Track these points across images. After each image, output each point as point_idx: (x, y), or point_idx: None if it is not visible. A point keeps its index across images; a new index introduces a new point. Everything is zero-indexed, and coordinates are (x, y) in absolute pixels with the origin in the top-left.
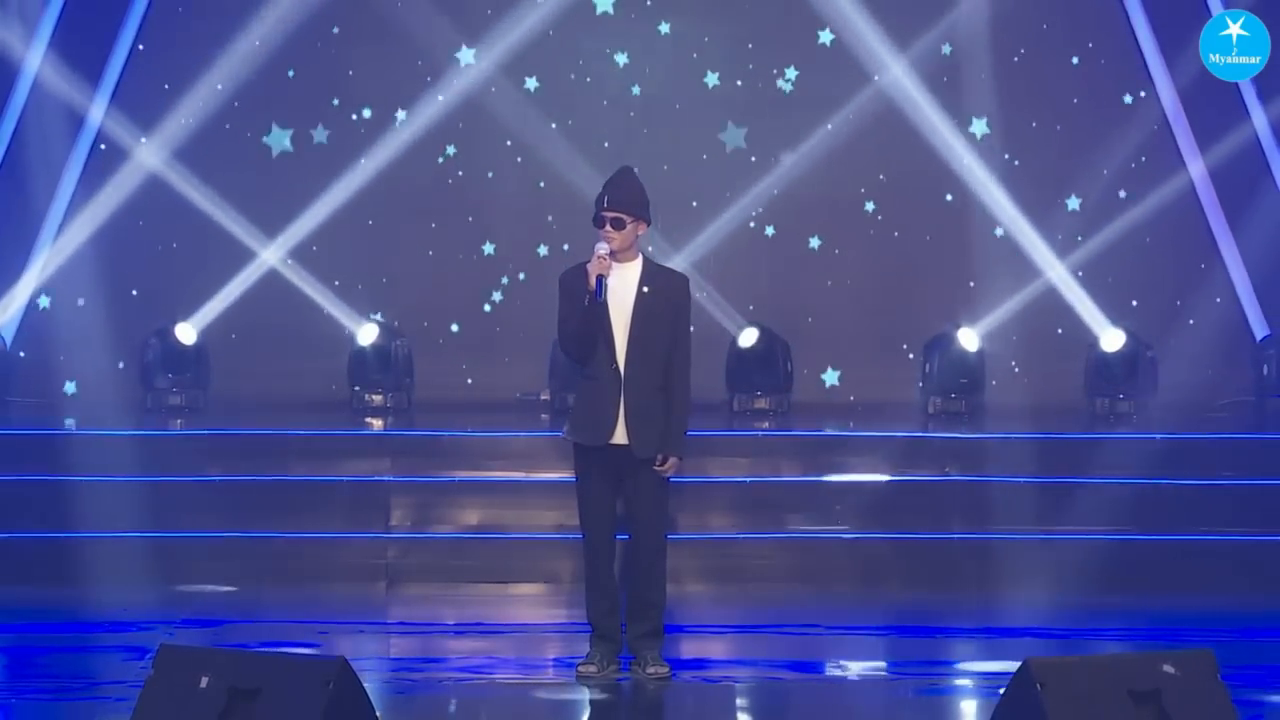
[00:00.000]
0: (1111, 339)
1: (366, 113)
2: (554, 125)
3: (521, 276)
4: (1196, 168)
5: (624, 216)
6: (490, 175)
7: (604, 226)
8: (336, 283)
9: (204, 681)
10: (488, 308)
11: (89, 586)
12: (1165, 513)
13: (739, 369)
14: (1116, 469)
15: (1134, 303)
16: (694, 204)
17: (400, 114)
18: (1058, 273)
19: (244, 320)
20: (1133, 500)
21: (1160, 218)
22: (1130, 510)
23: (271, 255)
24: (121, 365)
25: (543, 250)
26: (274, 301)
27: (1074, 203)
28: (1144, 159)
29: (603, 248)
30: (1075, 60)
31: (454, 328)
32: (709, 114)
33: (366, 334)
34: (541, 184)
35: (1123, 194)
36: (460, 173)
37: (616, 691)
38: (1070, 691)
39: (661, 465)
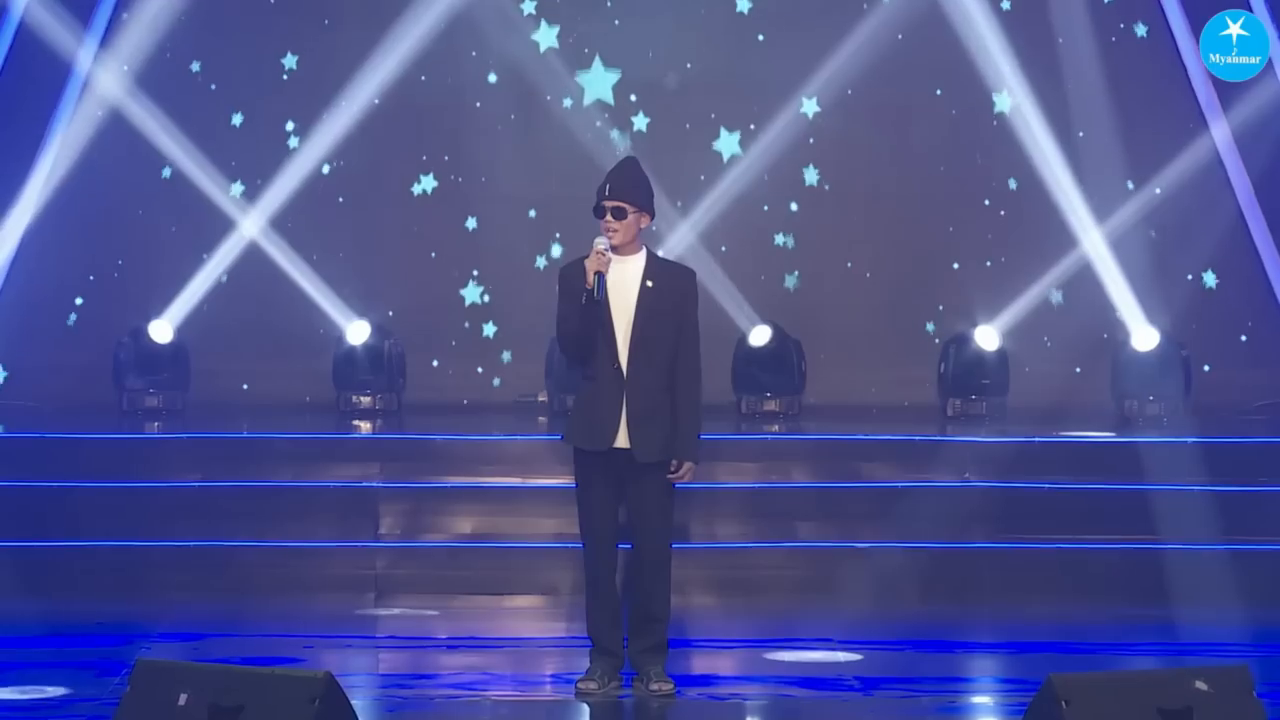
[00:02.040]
0: (1145, 338)
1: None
2: (552, 113)
3: (518, 271)
4: (1233, 163)
5: (626, 206)
6: (483, 178)
7: (604, 217)
8: (315, 257)
9: (183, 699)
10: (482, 303)
11: (61, 598)
12: (1198, 520)
13: (747, 369)
14: (1146, 474)
15: (1164, 298)
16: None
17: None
18: (1082, 268)
19: (225, 317)
20: (1163, 507)
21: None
22: (1160, 518)
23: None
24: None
25: (541, 243)
26: (256, 297)
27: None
28: (1176, 149)
29: (602, 243)
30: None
31: (446, 325)
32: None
33: (357, 332)
34: (540, 175)
35: (1158, 190)
36: (453, 165)
37: (618, 709)
38: (1096, 709)
39: (675, 471)
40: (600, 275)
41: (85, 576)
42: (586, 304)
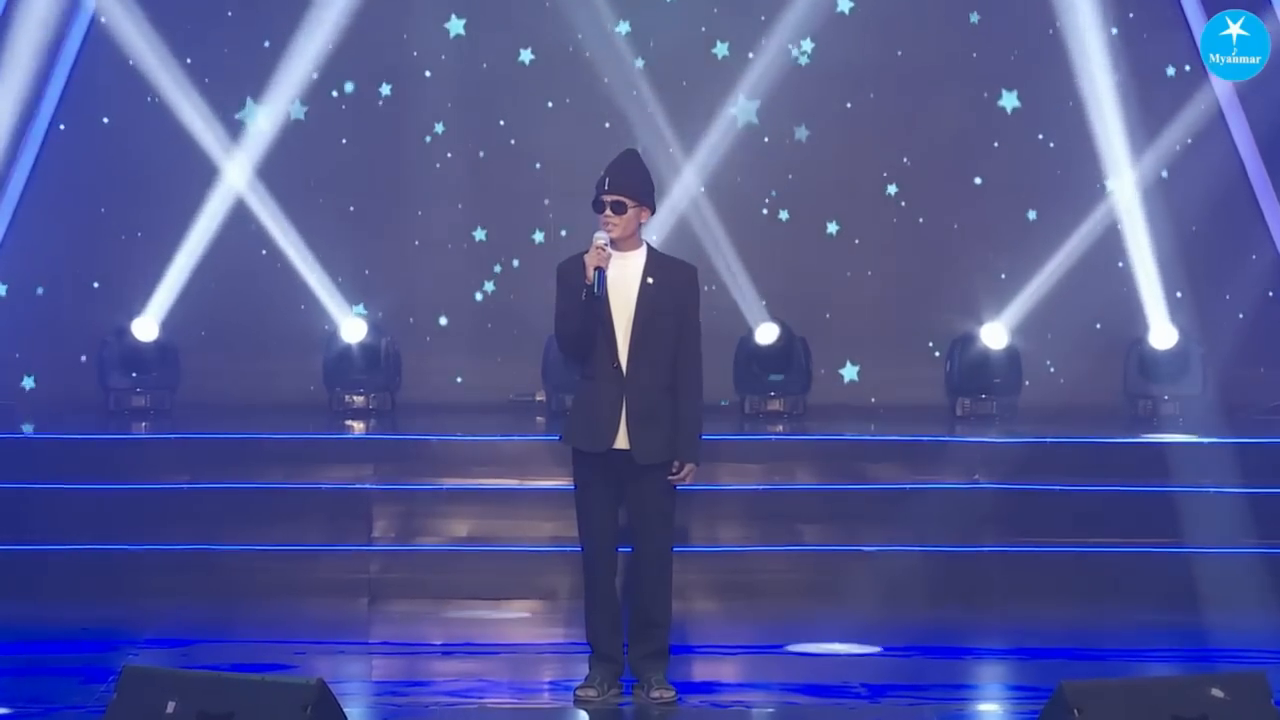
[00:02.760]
0: (1163, 336)
1: (349, 87)
2: (550, 103)
3: (516, 265)
4: (1247, 148)
5: (626, 201)
6: (481, 155)
7: (604, 211)
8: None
9: (171, 706)
10: (478, 299)
11: (45, 602)
12: (1214, 523)
13: (751, 368)
14: (1160, 475)
15: (1178, 294)
16: (701, 189)
17: (385, 88)
18: (1096, 263)
19: (214, 315)
20: (1178, 509)
21: (1207, 204)
22: (1176, 520)
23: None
24: (84, 359)
25: (538, 237)
26: (247, 294)
27: (1112, 186)
28: (1189, 140)
29: (601, 237)
30: (1114, 31)
31: (442, 321)
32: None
33: (352, 330)
34: (538, 165)
35: (1165, 174)
36: (449, 154)
37: (618, 717)
38: (1109, 717)
39: (677, 473)
40: (600, 271)
41: (70, 580)
42: (586, 300)
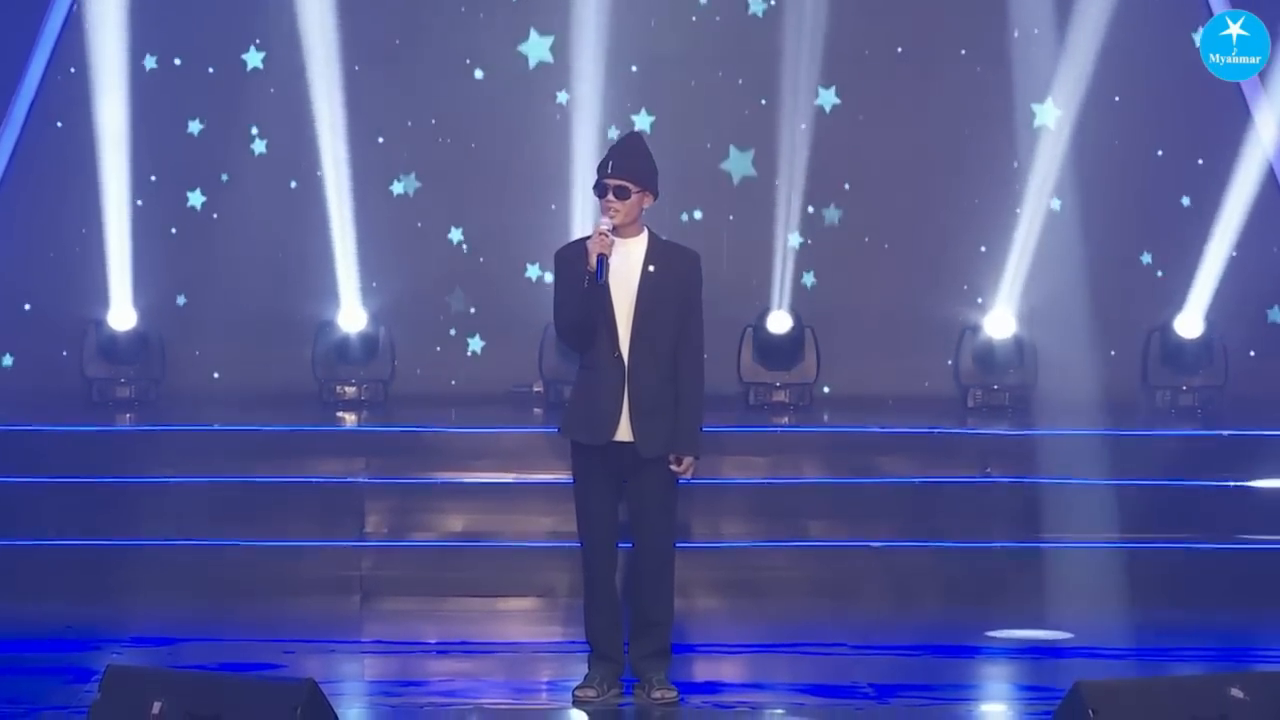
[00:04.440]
0: (1189, 324)
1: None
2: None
3: (512, 254)
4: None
5: (629, 185)
6: (473, 146)
7: (606, 195)
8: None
9: (157, 707)
10: (474, 289)
11: (27, 600)
12: (1234, 518)
13: (756, 357)
14: (1179, 469)
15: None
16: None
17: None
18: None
19: (203, 304)
20: (1197, 504)
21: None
22: (1194, 515)
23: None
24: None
25: (537, 225)
26: (236, 281)
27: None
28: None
29: (604, 223)
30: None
31: (436, 312)
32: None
33: (350, 319)
34: (534, 156)
35: (1201, 161)
36: (444, 140)
37: (618, 718)
38: (1126, 717)
39: (676, 466)
40: (602, 257)
41: (52, 577)
42: (588, 288)
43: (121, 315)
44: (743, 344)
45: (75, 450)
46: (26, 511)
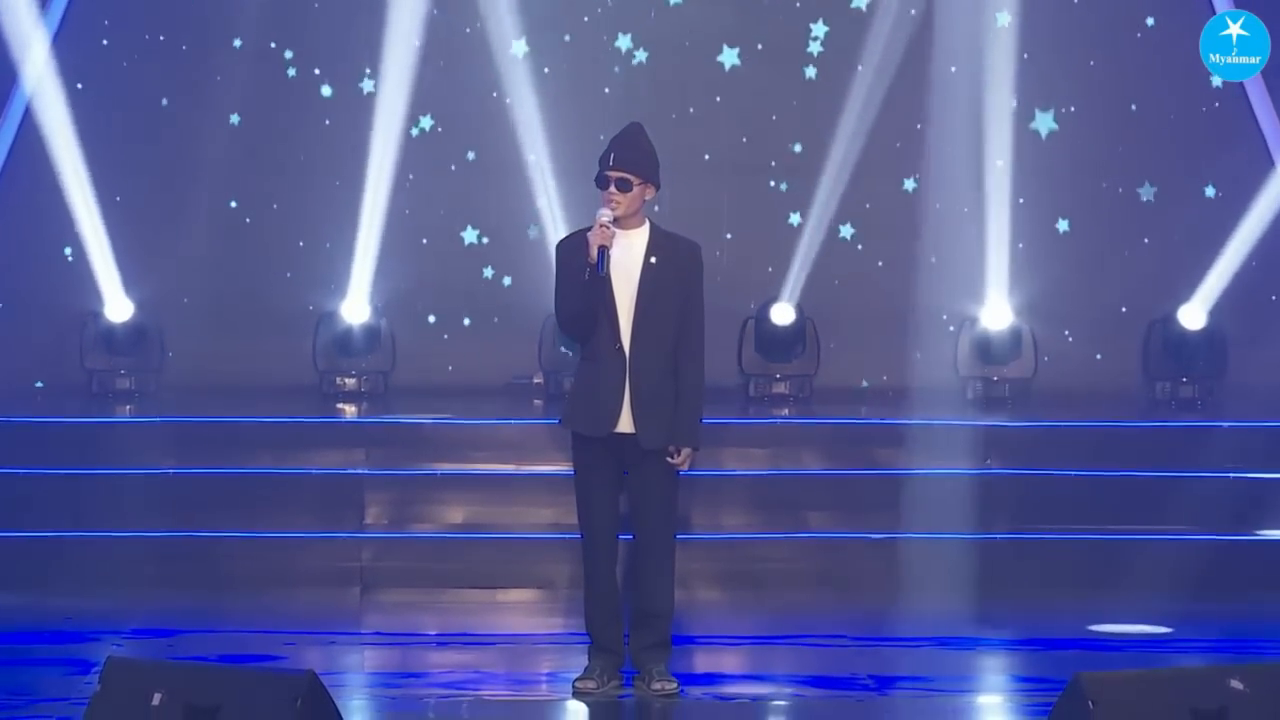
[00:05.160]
0: (1193, 315)
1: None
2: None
3: (513, 246)
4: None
5: (631, 177)
6: (471, 151)
7: (608, 187)
8: (301, 243)
9: (157, 698)
10: (474, 280)
11: (27, 592)
12: (1234, 509)
13: (757, 348)
14: (1180, 461)
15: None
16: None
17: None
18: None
19: (201, 294)
20: (1198, 496)
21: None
22: (1195, 507)
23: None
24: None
25: (537, 216)
26: (234, 272)
27: (1147, 192)
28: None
29: (605, 214)
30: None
31: (435, 302)
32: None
33: (353, 310)
34: (532, 156)
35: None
36: (440, 128)
37: (618, 710)
38: (1126, 710)
39: (675, 458)
40: (603, 249)
41: (52, 569)
42: (590, 280)
43: (119, 307)
44: (743, 336)
45: (75, 441)
46: (26, 503)
